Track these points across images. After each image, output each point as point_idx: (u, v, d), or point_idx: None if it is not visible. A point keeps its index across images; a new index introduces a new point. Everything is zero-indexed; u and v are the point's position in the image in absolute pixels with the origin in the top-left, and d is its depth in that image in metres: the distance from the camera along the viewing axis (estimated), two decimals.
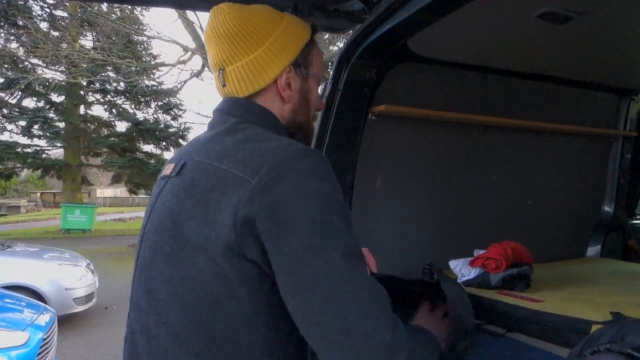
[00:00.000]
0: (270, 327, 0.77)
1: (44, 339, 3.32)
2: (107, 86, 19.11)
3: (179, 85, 16.40)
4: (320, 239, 0.71)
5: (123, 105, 20.19)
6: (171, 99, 18.94)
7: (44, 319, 3.59)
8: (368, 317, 0.69)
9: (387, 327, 0.70)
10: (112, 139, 19.63)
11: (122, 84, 17.98)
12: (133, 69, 14.10)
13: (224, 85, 0.91)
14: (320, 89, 0.98)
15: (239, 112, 0.89)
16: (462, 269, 1.63)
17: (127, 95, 18.93)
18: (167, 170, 0.90)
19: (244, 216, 0.73)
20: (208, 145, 0.85)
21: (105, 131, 20.66)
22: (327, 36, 11.45)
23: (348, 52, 1.57)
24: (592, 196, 2.54)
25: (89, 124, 20.35)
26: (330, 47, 12.30)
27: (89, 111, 20.29)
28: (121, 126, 20.40)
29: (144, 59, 17.00)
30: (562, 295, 1.51)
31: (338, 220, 0.74)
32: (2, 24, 17.07)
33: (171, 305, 0.77)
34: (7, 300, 3.84)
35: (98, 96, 19.92)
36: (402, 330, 0.72)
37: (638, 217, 2.74)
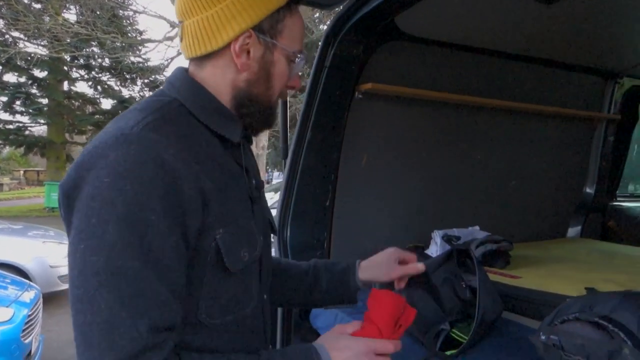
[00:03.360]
0: None
1: (29, 316, 3.31)
2: (92, 62, 18.67)
3: (165, 63, 16.06)
4: (80, 238, 0.64)
5: (108, 82, 19.77)
6: (157, 76, 18.54)
7: (28, 295, 3.57)
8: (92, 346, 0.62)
9: None
10: (97, 116, 19.27)
11: (107, 60, 17.59)
12: (118, 44, 13.79)
13: (181, 40, 0.83)
14: (299, 64, 0.86)
15: (170, 79, 0.83)
16: (438, 241, 1.67)
17: (112, 72, 18.50)
18: None
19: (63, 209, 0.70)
20: None
21: (90, 108, 20.28)
22: (317, 15, 11.30)
23: (335, 29, 1.56)
24: (575, 178, 2.59)
25: (73, 101, 19.93)
26: (320, 27, 12.14)
27: (73, 88, 19.86)
28: (106, 103, 20.10)
29: (129, 34, 16.61)
30: (540, 272, 1.56)
31: (114, 227, 0.63)
32: None
33: None
34: None
35: (82, 72, 19.46)
36: None
37: (619, 199, 2.81)
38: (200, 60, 0.81)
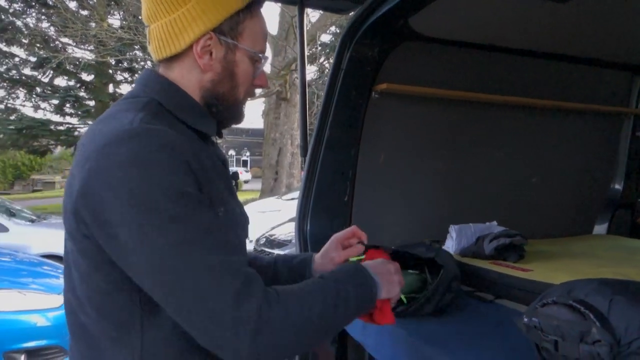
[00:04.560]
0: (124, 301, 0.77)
1: None
2: (135, 65, 19.42)
3: None
4: (143, 232, 0.68)
5: None
6: None
7: None
8: (206, 299, 0.68)
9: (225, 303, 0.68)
10: None
11: (148, 62, 18.27)
12: None
13: (149, 43, 0.88)
14: (262, 64, 0.90)
15: (142, 81, 0.87)
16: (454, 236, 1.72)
17: None
18: None
19: (75, 208, 0.73)
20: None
21: None
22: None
23: (350, 33, 1.63)
24: (601, 174, 2.55)
25: None
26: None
27: (117, 90, 20.70)
28: None
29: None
30: (553, 266, 1.58)
31: (165, 205, 0.69)
32: (34, 4, 17.51)
33: (67, 281, 0.84)
34: (44, 267, 4.13)
35: (126, 75, 20.25)
36: (251, 305, 0.69)
37: None
38: (168, 62, 0.86)
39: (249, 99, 0.96)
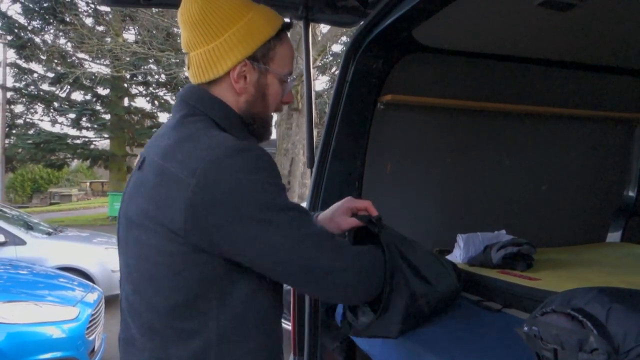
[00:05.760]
0: (227, 289, 0.90)
1: (92, 315, 3.63)
2: (149, 79, 19.80)
3: None
4: (267, 222, 0.84)
5: (164, 97, 20.87)
6: None
7: (92, 297, 3.91)
8: (319, 258, 0.89)
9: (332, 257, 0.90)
10: (155, 129, 20.35)
11: (163, 76, 18.58)
12: (173, 61, 14.55)
13: (188, 68, 0.98)
14: (290, 83, 1.01)
15: (191, 100, 0.95)
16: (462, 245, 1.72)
17: (168, 87, 19.54)
18: (136, 163, 1.00)
19: (190, 214, 0.82)
20: (160, 141, 0.94)
21: (148, 122, 21.47)
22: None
23: (355, 45, 1.66)
24: (614, 181, 2.53)
25: (132, 116, 21.20)
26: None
27: (132, 103, 21.12)
28: (163, 117, 21.15)
29: (183, 51, 17.46)
30: (561, 274, 1.57)
31: (278, 200, 0.87)
32: (52, 20, 17.99)
33: (141, 277, 0.92)
34: (60, 279, 4.21)
35: (141, 88, 20.67)
36: (347, 255, 0.93)
37: None
38: (206, 85, 0.96)
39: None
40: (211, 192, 0.82)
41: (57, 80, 18.58)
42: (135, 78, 19.51)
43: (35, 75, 19.27)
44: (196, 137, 0.88)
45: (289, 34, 1.02)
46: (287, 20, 1.00)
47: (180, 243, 0.85)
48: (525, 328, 0.86)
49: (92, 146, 20.59)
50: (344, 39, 12.06)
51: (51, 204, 26.95)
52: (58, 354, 3.22)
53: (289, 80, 1.00)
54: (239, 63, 0.93)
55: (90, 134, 20.32)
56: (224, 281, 0.89)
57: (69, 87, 18.88)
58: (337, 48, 14.19)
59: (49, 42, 18.75)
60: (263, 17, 0.96)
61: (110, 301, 5.24)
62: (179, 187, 0.83)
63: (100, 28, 16.97)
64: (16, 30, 17.85)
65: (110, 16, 17.61)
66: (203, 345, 0.88)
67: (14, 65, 18.63)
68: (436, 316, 1.28)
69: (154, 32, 13.76)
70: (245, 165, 0.84)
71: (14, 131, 19.77)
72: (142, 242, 0.89)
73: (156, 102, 20.89)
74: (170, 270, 0.87)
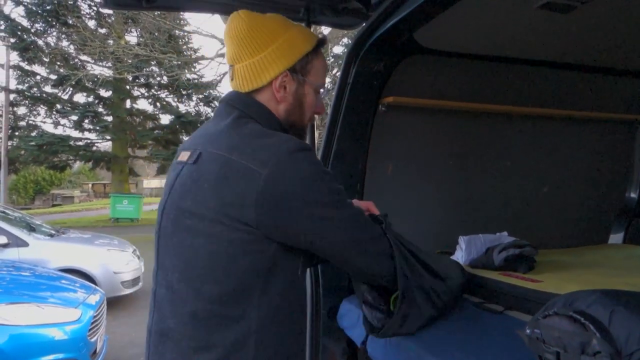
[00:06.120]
0: (270, 279, 0.97)
1: (94, 317, 3.63)
2: (151, 81, 19.85)
3: (218, 78, 16.82)
4: (330, 207, 0.97)
5: (166, 99, 20.92)
6: (211, 91, 19.43)
7: (94, 298, 3.91)
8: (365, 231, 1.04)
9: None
10: (157, 131, 20.43)
11: (165, 78, 18.65)
12: (175, 63, 14.61)
13: (232, 79, 1.07)
14: (322, 94, 1.12)
15: (240, 105, 1.05)
16: (464, 247, 1.72)
17: (170, 89, 19.59)
18: (184, 157, 1.05)
19: (261, 201, 0.90)
20: (219, 137, 1.01)
21: (150, 124, 21.52)
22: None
23: (356, 48, 1.66)
24: (616, 183, 2.52)
25: (134, 118, 21.24)
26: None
27: (134, 105, 21.17)
28: (165, 119, 21.20)
29: (184, 53, 17.53)
30: (563, 276, 1.57)
31: (334, 185, 0.99)
32: (54, 23, 18.06)
33: (192, 265, 0.97)
34: (63, 281, 4.21)
35: (143, 90, 20.70)
36: (375, 227, 1.08)
37: None
38: (248, 94, 1.06)
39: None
40: (284, 182, 0.91)
41: (60, 83, 18.64)
42: (137, 80, 19.54)
43: (38, 77, 19.34)
44: (259, 135, 0.98)
45: (322, 50, 1.12)
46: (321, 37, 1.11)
47: (242, 231, 0.92)
48: (528, 331, 0.86)
49: (94, 148, 20.63)
50: (344, 40, 12.09)
51: (53, 205, 27.01)
52: (60, 356, 3.21)
53: (321, 91, 1.11)
54: (281, 74, 1.04)
55: (92, 136, 20.37)
56: (269, 272, 0.96)
57: (71, 89, 18.94)
58: (338, 50, 14.22)
59: (52, 44, 18.82)
60: (301, 34, 1.08)
61: (112, 303, 5.25)
62: (249, 177, 0.91)
63: (103, 30, 17.01)
64: (19, 33, 17.91)
65: (113, 19, 17.67)
66: (244, 332, 0.95)
67: (17, 67, 18.69)
68: (439, 318, 1.28)
69: (156, 34, 13.81)
70: (308, 158, 0.96)
71: (16, 133, 19.82)
72: (198, 231, 0.96)
73: (158, 104, 20.93)
74: (225, 259, 0.94)
